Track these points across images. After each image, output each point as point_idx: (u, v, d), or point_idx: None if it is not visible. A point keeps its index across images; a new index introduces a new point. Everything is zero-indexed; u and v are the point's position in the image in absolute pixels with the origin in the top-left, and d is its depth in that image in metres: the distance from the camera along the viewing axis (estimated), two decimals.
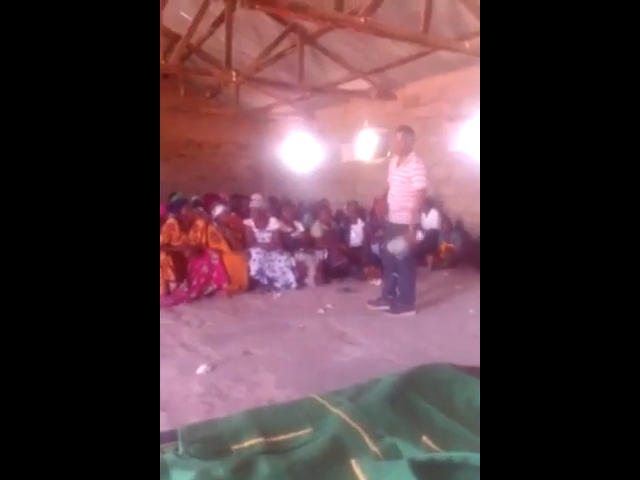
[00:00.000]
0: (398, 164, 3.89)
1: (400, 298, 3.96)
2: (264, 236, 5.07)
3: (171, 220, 4.77)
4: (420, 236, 3.81)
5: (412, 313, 3.89)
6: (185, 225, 4.80)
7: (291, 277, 4.84)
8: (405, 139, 3.83)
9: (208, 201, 6.70)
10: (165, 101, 8.25)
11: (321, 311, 4.00)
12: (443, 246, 5.85)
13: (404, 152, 3.84)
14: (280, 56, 6.48)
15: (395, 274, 4.06)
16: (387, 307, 3.98)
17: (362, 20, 4.00)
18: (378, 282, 5.04)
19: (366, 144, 7.82)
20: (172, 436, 1.31)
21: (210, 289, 4.53)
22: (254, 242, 5.01)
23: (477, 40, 4.63)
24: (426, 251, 5.77)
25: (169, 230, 4.67)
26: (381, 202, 4.11)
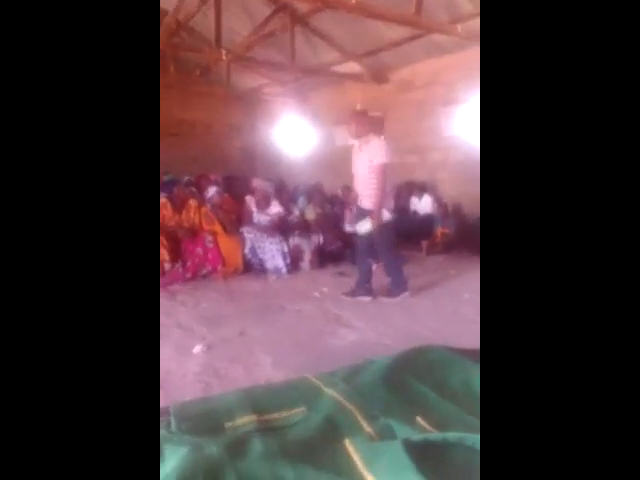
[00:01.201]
0: (360, 148, 3.82)
1: (392, 282, 3.95)
2: (261, 219, 5.04)
3: (163, 200, 4.73)
4: (387, 216, 3.72)
5: (407, 293, 3.89)
6: (177, 205, 4.77)
7: (280, 262, 4.81)
8: (359, 124, 3.76)
9: (200, 182, 6.63)
10: None
11: (317, 294, 4.01)
12: (439, 231, 5.85)
13: (361, 135, 3.77)
14: (270, 35, 6.38)
15: (371, 260, 4.01)
16: (366, 297, 3.87)
17: (353, 1, 3.94)
18: (374, 266, 5.05)
19: None
20: (164, 412, 1.32)
21: (205, 271, 4.52)
22: (249, 223, 4.98)
23: (470, 23, 4.59)
24: (421, 236, 5.78)
25: (162, 210, 4.64)
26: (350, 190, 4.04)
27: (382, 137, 3.84)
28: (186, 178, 6.60)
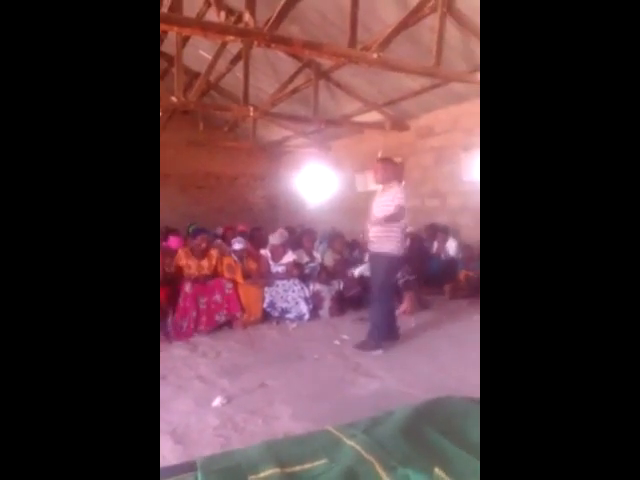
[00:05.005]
0: (382, 194, 3.87)
1: (370, 331, 3.75)
2: (278, 269, 5.12)
3: (185, 249, 4.79)
4: (392, 248, 3.68)
5: (380, 352, 3.64)
6: (197, 254, 4.78)
7: (304, 308, 4.82)
8: (385, 170, 3.83)
9: (227, 233, 6.80)
10: (185, 136, 8.54)
11: (337, 342, 3.99)
12: (462, 274, 5.81)
13: (385, 182, 3.83)
14: (295, 91, 6.66)
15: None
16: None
17: (375, 56, 4.11)
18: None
19: None
20: (191, 467, 1.33)
21: (223, 318, 4.51)
22: (269, 273, 5.05)
23: None
24: (444, 280, 5.75)
25: (186, 259, 4.69)
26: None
27: (403, 183, 3.90)
28: (215, 231, 6.76)
